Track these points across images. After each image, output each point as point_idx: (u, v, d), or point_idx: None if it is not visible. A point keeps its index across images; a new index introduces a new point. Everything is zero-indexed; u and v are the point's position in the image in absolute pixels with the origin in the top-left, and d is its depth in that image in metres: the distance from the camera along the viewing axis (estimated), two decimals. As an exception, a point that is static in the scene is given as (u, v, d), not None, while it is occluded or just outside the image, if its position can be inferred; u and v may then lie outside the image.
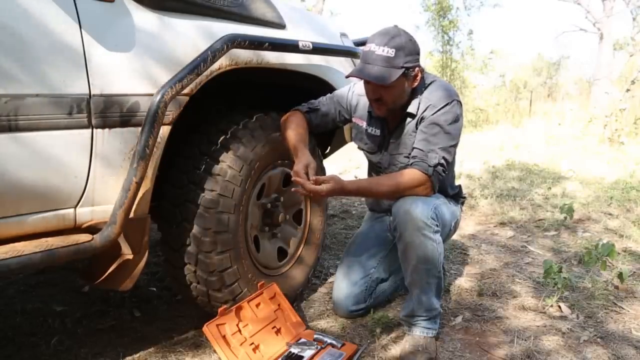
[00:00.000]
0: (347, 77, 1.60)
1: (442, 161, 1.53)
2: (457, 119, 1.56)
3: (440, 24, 13.65)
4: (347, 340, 1.60)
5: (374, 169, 1.85)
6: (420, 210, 1.48)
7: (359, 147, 1.85)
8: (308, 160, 1.54)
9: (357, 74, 1.54)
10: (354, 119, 1.79)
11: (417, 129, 1.60)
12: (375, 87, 1.54)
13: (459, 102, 1.58)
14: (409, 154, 1.62)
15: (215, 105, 1.79)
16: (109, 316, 1.82)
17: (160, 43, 1.30)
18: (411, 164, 1.55)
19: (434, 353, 1.53)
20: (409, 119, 1.62)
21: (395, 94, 1.55)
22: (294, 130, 1.65)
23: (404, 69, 1.49)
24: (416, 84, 1.57)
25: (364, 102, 1.72)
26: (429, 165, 1.52)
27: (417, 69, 1.54)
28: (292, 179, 1.52)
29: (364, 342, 1.62)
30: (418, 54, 1.55)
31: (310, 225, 1.97)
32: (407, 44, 1.51)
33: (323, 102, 1.78)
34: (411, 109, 1.60)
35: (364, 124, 1.76)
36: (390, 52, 1.48)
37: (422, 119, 1.58)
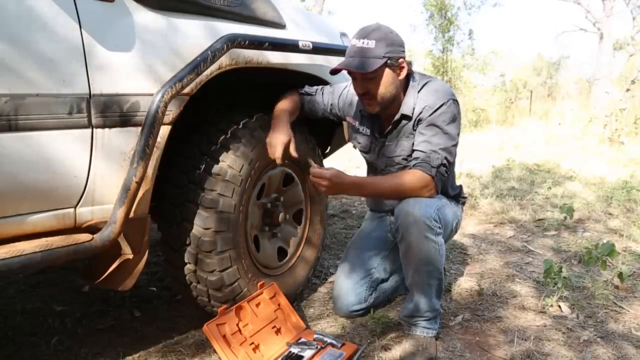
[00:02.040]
0: (330, 72, 1.58)
1: (445, 161, 1.53)
2: (454, 119, 1.55)
3: (439, 23, 13.67)
4: (347, 340, 1.60)
5: (371, 169, 1.86)
6: (423, 212, 1.47)
7: (354, 146, 1.86)
8: (287, 136, 1.58)
9: (340, 66, 1.54)
10: (347, 118, 1.80)
11: (414, 130, 1.59)
12: (361, 81, 1.54)
13: (455, 101, 1.57)
14: (407, 156, 1.62)
15: (215, 105, 1.79)
16: (109, 316, 1.82)
17: (160, 43, 1.30)
18: (413, 165, 1.55)
19: (434, 353, 1.53)
20: (404, 121, 1.62)
21: (382, 85, 1.53)
22: (284, 102, 1.71)
23: (386, 59, 1.49)
24: (403, 75, 1.57)
25: (357, 101, 1.72)
26: (432, 167, 1.51)
27: (401, 60, 1.54)
28: (276, 161, 1.58)
29: (364, 342, 1.62)
30: (401, 45, 1.55)
31: (310, 225, 1.97)
32: (387, 36, 1.51)
33: (319, 92, 1.81)
34: (406, 110, 1.59)
35: (356, 123, 1.77)
36: (371, 44, 1.49)
37: (419, 120, 1.57)
